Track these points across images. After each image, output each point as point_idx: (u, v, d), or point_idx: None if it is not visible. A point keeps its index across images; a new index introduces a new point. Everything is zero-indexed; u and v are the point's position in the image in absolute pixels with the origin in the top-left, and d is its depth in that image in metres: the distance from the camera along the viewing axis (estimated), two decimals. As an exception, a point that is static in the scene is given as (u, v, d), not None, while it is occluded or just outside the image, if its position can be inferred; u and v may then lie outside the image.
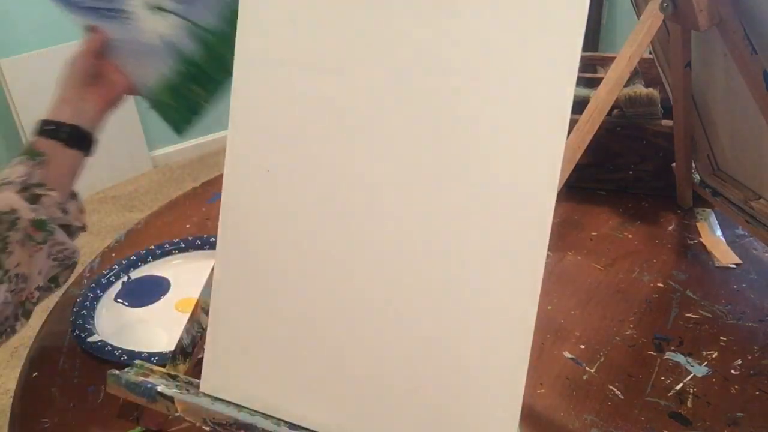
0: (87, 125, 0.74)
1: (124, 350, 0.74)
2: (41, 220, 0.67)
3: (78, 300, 0.83)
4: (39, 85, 2.41)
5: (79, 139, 0.74)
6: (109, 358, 0.73)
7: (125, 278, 0.90)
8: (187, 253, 0.94)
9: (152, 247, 0.94)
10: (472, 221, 0.49)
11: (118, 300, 0.86)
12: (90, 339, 0.76)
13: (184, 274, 0.90)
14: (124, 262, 0.91)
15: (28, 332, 0.74)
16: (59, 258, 0.69)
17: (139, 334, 0.79)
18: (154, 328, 0.81)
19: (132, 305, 0.85)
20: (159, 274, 0.91)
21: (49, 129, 0.72)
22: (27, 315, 0.67)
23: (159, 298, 0.86)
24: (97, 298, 0.85)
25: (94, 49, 0.76)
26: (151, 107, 0.81)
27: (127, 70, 0.78)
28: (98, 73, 0.76)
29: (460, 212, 0.49)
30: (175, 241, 0.95)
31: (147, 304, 0.85)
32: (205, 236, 0.95)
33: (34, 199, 0.67)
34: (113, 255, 0.96)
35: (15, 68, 2.36)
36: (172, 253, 0.94)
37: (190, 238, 0.95)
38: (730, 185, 0.89)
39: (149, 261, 0.92)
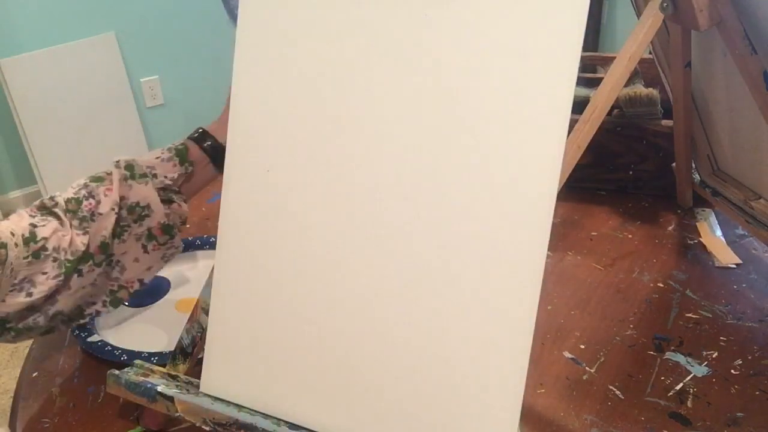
0: None
1: (124, 350, 0.74)
2: (170, 225, 0.69)
3: (78, 300, 0.83)
4: (39, 85, 2.42)
5: (222, 162, 0.75)
6: (109, 358, 0.73)
7: (125, 278, 0.90)
8: (187, 253, 0.94)
9: (152, 247, 0.94)
10: (472, 221, 0.49)
11: (118, 300, 0.86)
12: (90, 339, 0.76)
13: (184, 274, 0.90)
14: (124, 262, 0.91)
15: (28, 332, 0.74)
16: (167, 257, 0.72)
17: (139, 334, 0.79)
18: (154, 328, 0.81)
19: (132, 305, 0.85)
20: (159, 274, 0.90)
21: (207, 144, 0.73)
22: (115, 304, 0.69)
23: (159, 298, 0.86)
24: (97, 298, 0.85)
25: None
26: None
27: None
28: None
29: (460, 212, 0.49)
30: (175, 241, 0.95)
31: (147, 304, 0.85)
32: (205, 236, 0.95)
33: (168, 204, 0.70)
34: (113, 255, 0.95)
35: (15, 68, 2.35)
36: (172, 253, 0.94)
37: (190, 238, 0.95)
38: (730, 185, 0.89)
39: (149, 261, 0.92)
